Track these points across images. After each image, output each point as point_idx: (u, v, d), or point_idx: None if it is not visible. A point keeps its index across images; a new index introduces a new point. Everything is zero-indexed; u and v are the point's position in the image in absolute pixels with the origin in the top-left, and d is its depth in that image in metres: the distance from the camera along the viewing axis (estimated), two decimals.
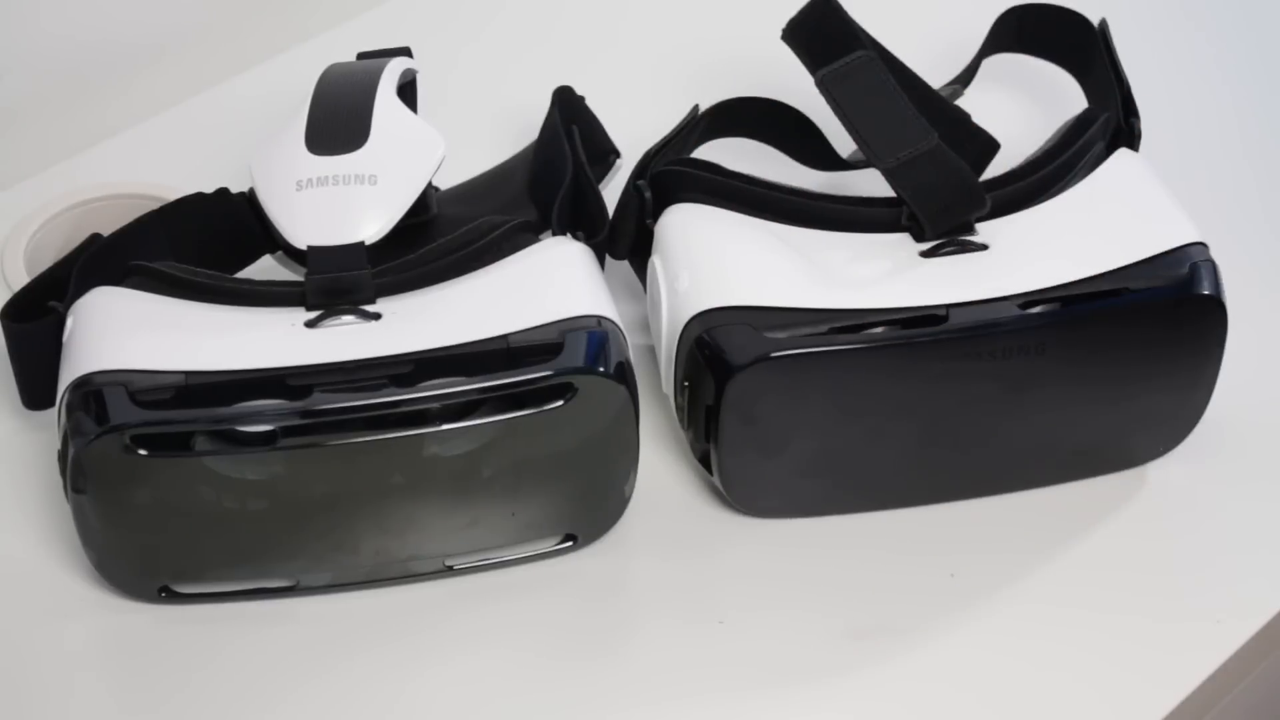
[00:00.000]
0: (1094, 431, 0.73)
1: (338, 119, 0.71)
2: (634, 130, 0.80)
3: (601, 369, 0.66)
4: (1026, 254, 0.70)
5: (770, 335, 0.68)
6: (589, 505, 0.70)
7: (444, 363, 0.66)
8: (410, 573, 0.70)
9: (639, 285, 0.77)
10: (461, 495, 0.68)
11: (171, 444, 0.64)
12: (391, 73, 0.74)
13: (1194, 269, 0.70)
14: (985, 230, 0.72)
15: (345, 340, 0.66)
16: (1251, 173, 0.90)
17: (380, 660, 0.68)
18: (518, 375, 0.66)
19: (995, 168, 0.76)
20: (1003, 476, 0.72)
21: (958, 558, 0.71)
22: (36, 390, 0.70)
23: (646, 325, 0.75)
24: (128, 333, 0.67)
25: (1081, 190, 0.73)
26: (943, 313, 0.68)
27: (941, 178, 0.71)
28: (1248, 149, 0.92)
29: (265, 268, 0.75)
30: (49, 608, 0.69)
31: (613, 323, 0.68)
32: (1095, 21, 0.82)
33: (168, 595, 0.68)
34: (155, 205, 0.74)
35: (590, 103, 0.82)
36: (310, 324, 0.67)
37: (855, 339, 0.68)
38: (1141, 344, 0.70)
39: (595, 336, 0.67)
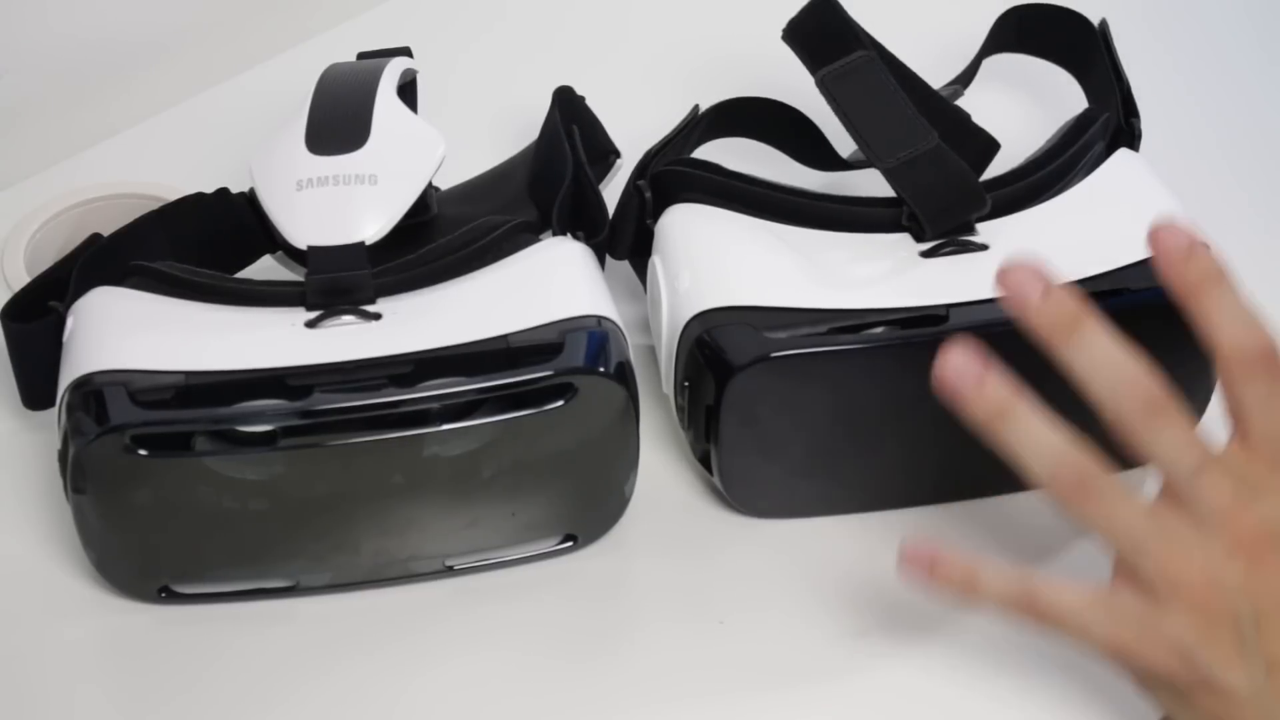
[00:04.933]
0: (1094, 432, 0.72)
1: (338, 119, 0.71)
2: (634, 130, 0.80)
3: (601, 369, 0.66)
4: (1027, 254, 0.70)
5: (770, 335, 0.68)
6: (589, 505, 0.70)
7: (444, 363, 0.66)
8: (410, 573, 0.70)
9: (639, 285, 0.77)
10: (461, 495, 0.68)
11: (171, 444, 0.64)
12: (392, 73, 0.74)
13: None
14: (985, 230, 0.72)
15: (345, 340, 0.66)
16: (1251, 173, 0.90)
17: (381, 660, 0.68)
18: (518, 375, 0.66)
19: (995, 168, 0.76)
20: (1003, 477, 0.72)
21: None
22: (36, 390, 0.70)
23: (646, 325, 0.75)
24: (128, 333, 0.67)
25: (1082, 190, 0.73)
26: (943, 313, 0.68)
27: (941, 178, 0.71)
28: (1247, 149, 0.92)
29: (265, 268, 0.75)
30: (49, 608, 0.69)
31: (613, 323, 0.68)
32: (1095, 21, 0.82)
33: (168, 595, 0.68)
34: (155, 205, 0.74)
35: (590, 103, 0.82)
36: (310, 324, 0.67)
37: (855, 339, 0.68)
38: (1142, 344, 0.70)
39: (595, 336, 0.67)
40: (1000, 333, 0.68)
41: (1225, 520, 0.60)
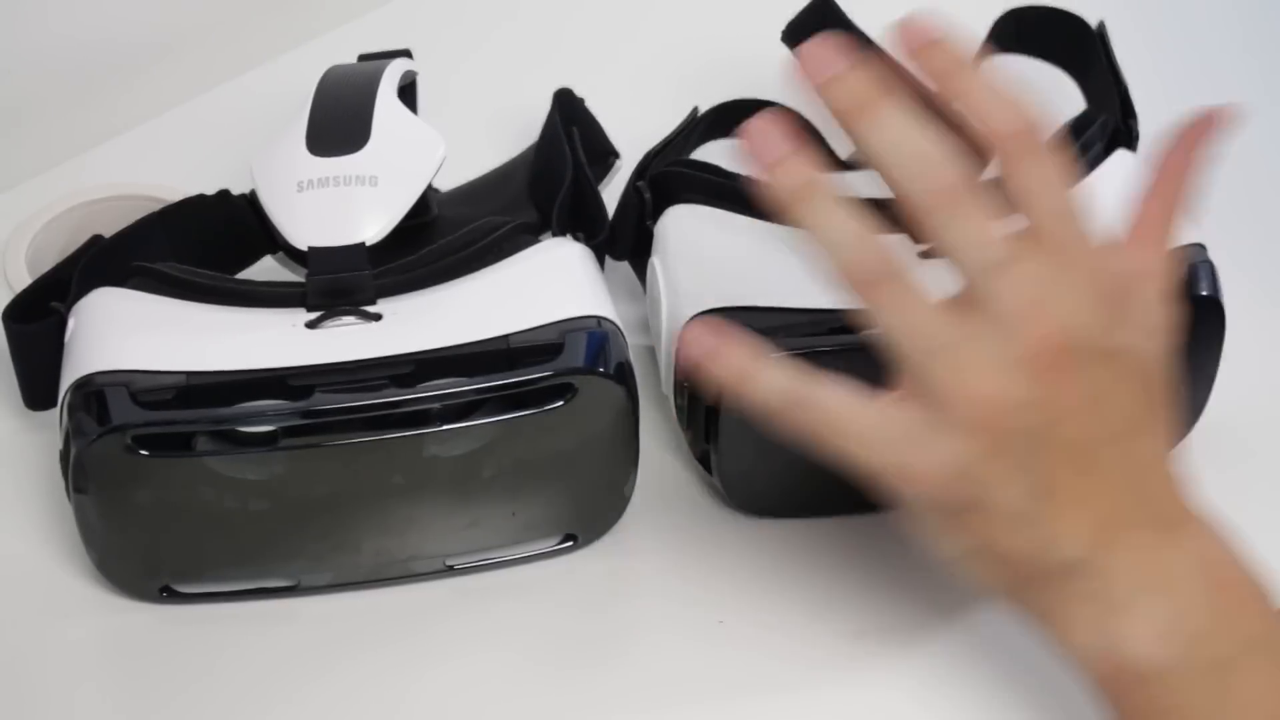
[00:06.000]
0: None
1: (338, 120, 0.71)
2: (634, 131, 0.80)
3: (601, 369, 0.67)
4: None
5: (770, 336, 0.68)
6: (589, 505, 0.70)
7: (444, 363, 0.66)
8: (411, 572, 0.70)
9: (639, 285, 0.77)
10: (462, 495, 0.68)
11: (173, 444, 0.65)
12: (392, 74, 0.74)
13: (1192, 270, 0.70)
14: None
15: (346, 341, 0.67)
16: (1249, 174, 0.90)
17: (382, 660, 0.68)
18: (518, 375, 0.66)
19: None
20: None
21: None
22: (38, 390, 0.71)
23: (646, 325, 0.75)
24: (129, 333, 0.67)
25: (1080, 191, 0.73)
26: None
27: None
28: (1246, 150, 0.92)
29: (266, 269, 0.75)
30: (50, 608, 0.69)
31: (613, 323, 0.68)
32: (1094, 23, 0.82)
33: (169, 595, 0.68)
34: (157, 206, 0.74)
35: (590, 104, 0.82)
36: (311, 325, 0.67)
37: (854, 339, 0.68)
38: None
39: (595, 337, 0.67)
40: None
41: (1021, 325, 0.58)
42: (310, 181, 0.70)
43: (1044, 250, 0.59)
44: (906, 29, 0.60)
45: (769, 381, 0.61)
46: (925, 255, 0.71)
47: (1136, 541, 0.60)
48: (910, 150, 0.59)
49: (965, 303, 0.59)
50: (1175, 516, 0.61)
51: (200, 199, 0.74)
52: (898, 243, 0.71)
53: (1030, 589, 0.60)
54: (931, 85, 0.61)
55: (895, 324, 0.59)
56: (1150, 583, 0.59)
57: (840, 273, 0.59)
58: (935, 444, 0.59)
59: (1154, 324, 0.62)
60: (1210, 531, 0.62)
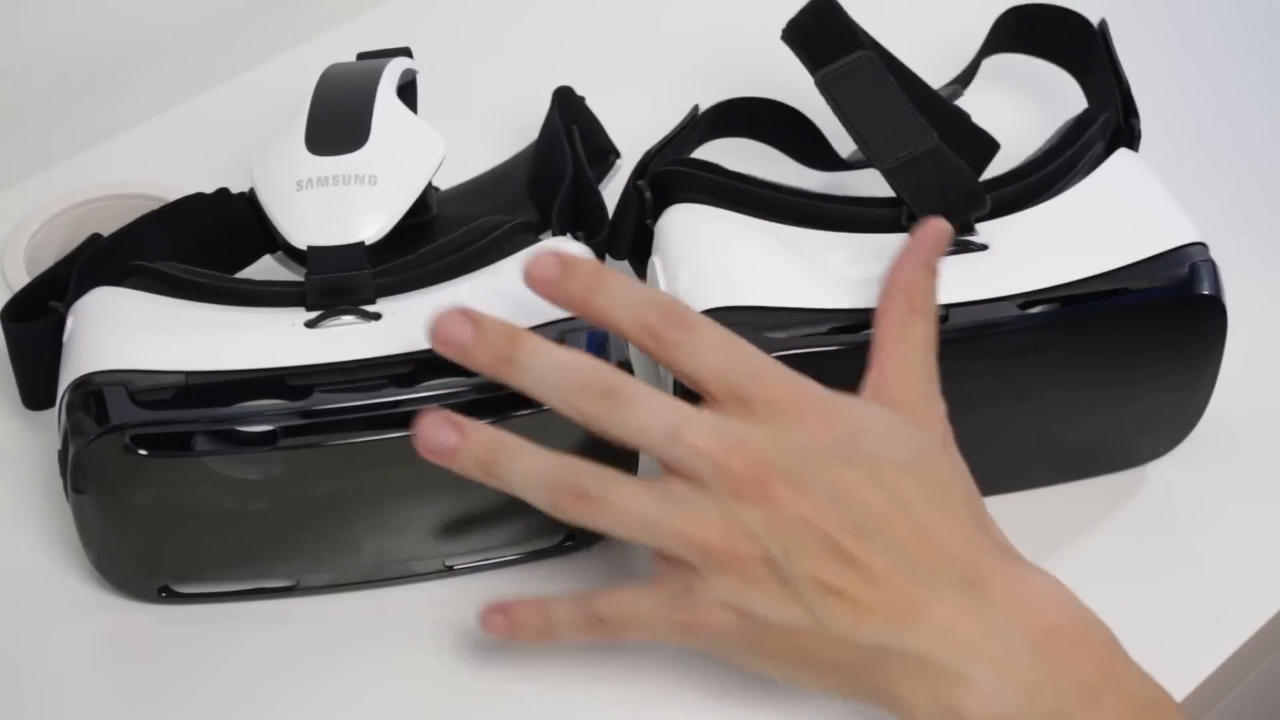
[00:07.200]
0: (1093, 432, 0.73)
1: (338, 119, 0.71)
2: (634, 130, 0.80)
3: None
4: (1026, 254, 0.70)
5: (770, 335, 0.68)
6: None
7: (444, 363, 0.66)
8: (410, 573, 0.70)
9: None
10: (461, 495, 0.68)
11: (171, 444, 0.64)
12: (392, 73, 0.74)
13: (1194, 269, 0.70)
14: (985, 230, 0.72)
15: (345, 340, 0.67)
16: (1251, 173, 0.90)
17: (381, 660, 0.68)
18: None
19: (995, 168, 0.76)
20: (1002, 477, 0.72)
21: None
22: (37, 390, 0.70)
23: None
24: (128, 333, 0.67)
25: (1081, 190, 0.73)
26: (942, 313, 0.68)
27: (941, 178, 0.71)
28: (1247, 149, 0.92)
29: (265, 268, 0.75)
30: (49, 608, 0.69)
31: None
32: (1095, 21, 0.82)
33: (168, 595, 0.68)
34: (155, 205, 0.74)
35: (590, 103, 0.82)
36: (310, 324, 0.67)
37: (855, 339, 0.68)
38: (1141, 344, 0.70)
39: (594, 337, 0.67)
40: (999, 333, 0.68)
41: (719, 469, 0.60)
42: (309, 180, 0.69)
43: (718, 403, 0.62)
44: (531, 278, 0.63)
45: (563, 622, 0.64)
46: None
47: (940, 611, 0.60)
48: (557, 375, 0.62)
49: (669, 476, 0.62)
50: (979, 573, 0.61)
51: (199, 198, 0.74)
52: (898, 241, 0.72)
53: (864, 680, 0.61)
54: (573, 313, 0.64)
55: (618, 524, 0.62)
56: (967, 648, 0.60)
57: (549, 508, 0.62)
58: (701, 597, 0.61)
59: (867, 412, 0.64)
60: (1027, 579, 0.62)
